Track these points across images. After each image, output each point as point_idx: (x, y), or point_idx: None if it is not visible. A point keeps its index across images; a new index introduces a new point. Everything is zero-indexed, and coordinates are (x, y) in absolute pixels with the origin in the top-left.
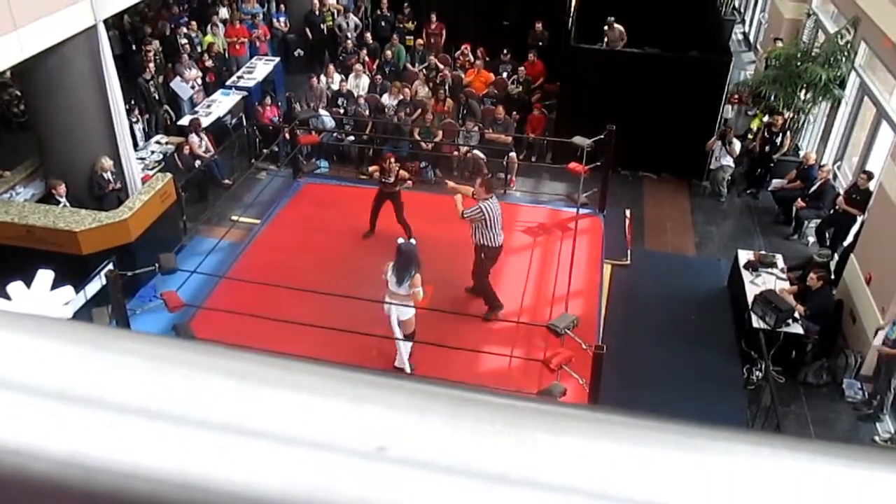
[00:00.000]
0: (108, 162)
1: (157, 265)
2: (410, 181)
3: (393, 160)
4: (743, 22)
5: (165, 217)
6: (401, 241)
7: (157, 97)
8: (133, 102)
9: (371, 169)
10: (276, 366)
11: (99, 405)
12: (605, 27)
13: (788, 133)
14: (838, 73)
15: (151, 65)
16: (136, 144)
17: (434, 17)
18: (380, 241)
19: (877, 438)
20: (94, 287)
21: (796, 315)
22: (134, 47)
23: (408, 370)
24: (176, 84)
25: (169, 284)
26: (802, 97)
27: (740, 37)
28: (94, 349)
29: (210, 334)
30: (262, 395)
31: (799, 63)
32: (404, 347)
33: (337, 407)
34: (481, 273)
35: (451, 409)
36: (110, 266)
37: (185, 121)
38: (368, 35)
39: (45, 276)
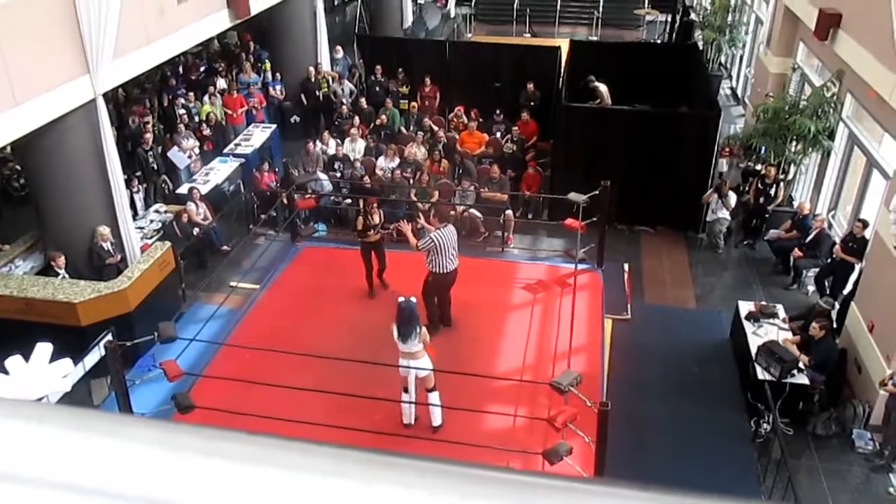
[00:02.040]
0: (106, 230)
1: (155, 334)
2: (400, 228)
3: (376, 205)
4: (730, 77)
5: (164, 285)
6: (401, 299)
7: (154, 167)
8: (132, 173)
9: (358, 223)
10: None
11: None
12: (590, 88)
13: (782, 184)
14: (827, 125)
15: (149, 135)
16: (135, 214)
17: (428, 81)
18: (379, 302)
19: (891, 490)
20: (92, 358)
21: (801, 365)
22: (134, 121)
23: (438, 423)
24: (173, 154)
25: (168, 353)
26: (793, 149)
27: (728, 92)
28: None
29: (210, 403)
30: (279, 478)
31: (787, 116)
32: (434, 402)
33: (350, 488)
34: (425, 293)
35: (463, 488)
36: (109, 336)
37: (183, 189)
38: (363, 100)
39: (43, 348)
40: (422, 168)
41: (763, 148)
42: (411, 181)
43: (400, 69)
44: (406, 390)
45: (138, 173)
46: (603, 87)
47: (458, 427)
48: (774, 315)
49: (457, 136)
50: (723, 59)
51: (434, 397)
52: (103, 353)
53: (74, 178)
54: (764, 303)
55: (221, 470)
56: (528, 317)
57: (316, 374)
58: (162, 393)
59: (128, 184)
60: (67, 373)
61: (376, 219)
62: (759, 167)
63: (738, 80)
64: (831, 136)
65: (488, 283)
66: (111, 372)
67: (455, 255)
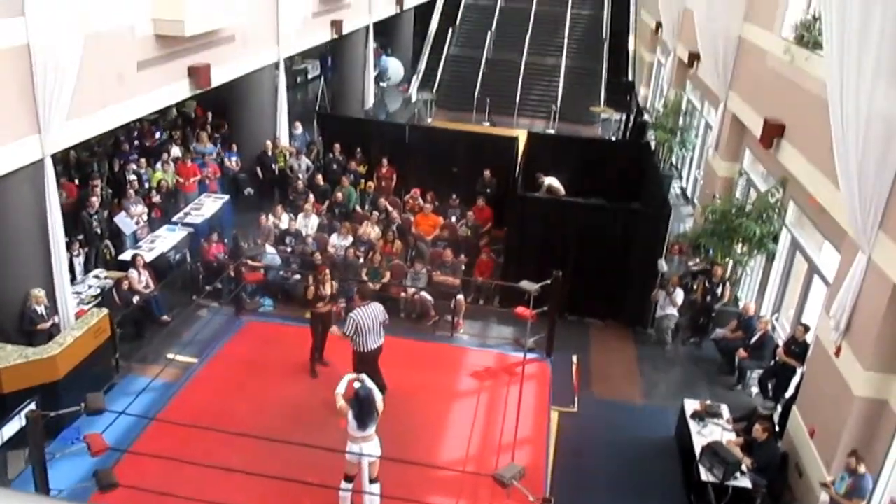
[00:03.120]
0: (41, 293)
1: (82, 405)
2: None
3: (328, 272)
4: (681, 177)
5: (97, 354)
6: (357, 385)
7: (98, 231)
8: (74, 236)
9: (309, 291)
10: None
11: None
12: (538, 184)
13: (728, 284)
14: (771, 229)
15: (96, 199)
16: (73, 278)
17: (385, 162)
18: (320, 380)
19: None
20: (12, 428)
21: (744, 468)
22: (77, 181)
23: None
24: (120, 219)
25: (95, 426)
26: (739, 250)
27: (679, 191)
28: None
29: (135, 481)
30: None
31: (734, 218)
32: (377, 493)
33: None
34: (355, 370)
35: None
36: (32, 406)
37: (126, 255)
38: (320, 177)
39: None
40: (375, 248)
41: (710, 249)
42: (363, 260)
43: (358, 149)
44: (348, 479)
45: (80, 236)
46: (554, 181)
47: None
48: (719, 415)
49: (412, 218)
50: (674, 159)
51: (375, 488)
52: (24, 423)
53: (13, 238)
54: (709, 402)
55: None
56: (473, 405)
57: (251, 454)
58: (84, 468)
59: (69, 247)
60: None
61: (328, 289)
62: (706, 267)
63: (688, 181)
64: (775, 240)
65: (436, 367)
66: (30, 443)
67: (381, 332)
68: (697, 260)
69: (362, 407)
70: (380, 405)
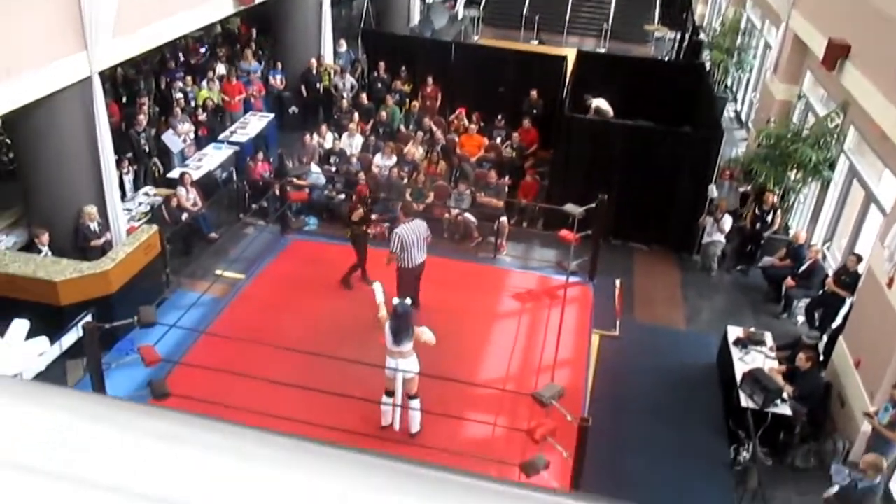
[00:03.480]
0: (93, 210)
1: (136, 318)
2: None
3: (367, 192)
4: (735, 100)
5: (148, 269)
6: (396, 301)
7: (147, 149)
8: (123, 154)
9: (356, 214)
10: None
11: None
12: (587, 105)
13: (779, 211)
14: (828, 155)
15: (143, 117)
16: (123, 195)
17: (430, 81)
18: (364, 300)
19: None
20: (70, 339)
21: (785, 395)
22: (125, 99)
23: (416, 429)
24: (167, 137)
25: (147, 338)
26: (792, 177)
27: (732, 114)
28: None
29: (186, 391)
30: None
31: (789, 143)
32: (416, 409)
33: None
34: (399, 286)
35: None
36: (88, 317)
37: (174, 173)
38: (364, 96)
39: (20, 325)
40: (419, 168)
41: (762, 174)
42: (407, 180)
43: (403, 67)
44: (389, 393)
45: (129, 154)
46: (603, 103)
47: (437, 433)
48: (762, 343)
49: (456, 139)
50: (729, 81)
51: (415, 404)
52: (81, 334)
53: (64, 155)
54: (753, 329)
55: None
56: (515, 326)
57: (296, 368)
58: (138, 378)
59: (118, 164)
60: (43, 351)
61: (364, 211)
62: (757, 193)
63: (742, 104)
64: (832, 167)
65: (478, 289)
66: (87, 353)
67: (423, 249)
68: (748, 186)
69: (399, 322)
70: (423, 335)
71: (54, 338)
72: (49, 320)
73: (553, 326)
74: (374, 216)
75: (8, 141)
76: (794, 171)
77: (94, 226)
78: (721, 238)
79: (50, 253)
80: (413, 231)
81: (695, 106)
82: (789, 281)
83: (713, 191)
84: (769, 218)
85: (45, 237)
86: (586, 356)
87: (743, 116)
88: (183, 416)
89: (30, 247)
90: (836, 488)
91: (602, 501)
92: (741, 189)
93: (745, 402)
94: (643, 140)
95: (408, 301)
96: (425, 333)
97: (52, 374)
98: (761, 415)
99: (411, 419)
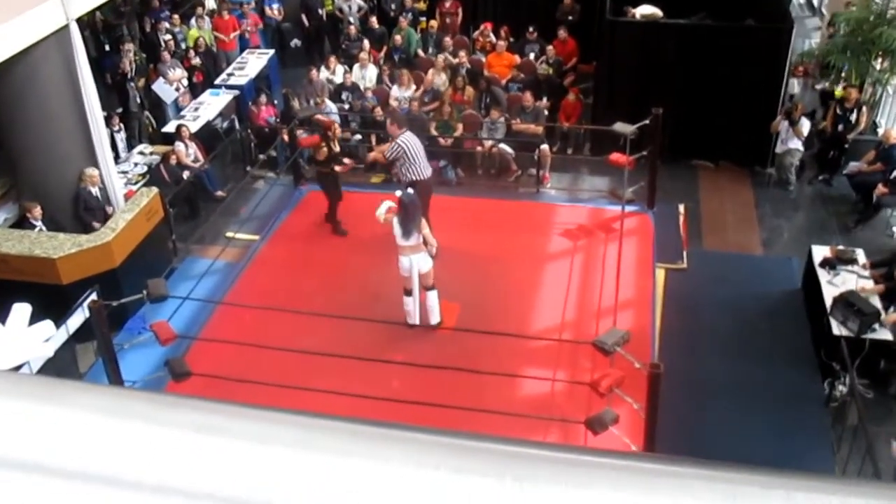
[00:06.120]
0: (94, 172)
1: (145, 292)
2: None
3: (337, 127)
4: None
5: (152, 237)
6: (398, 192)
7: (138, 102)
8: (112, 110)
9: (321, 152)
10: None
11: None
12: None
13: (864, 109)
14: None
15: (129, 64)
16: (116, 157)
17: None
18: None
19: None
20: (76, 320)
21: (883, 319)
22: (108, 47)
23: (436, 321)
24: (158, 86)
25: (159, 314)
26: (878, 67)
27: (802, 1)
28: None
29: (208, 369)
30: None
31: (872, 27)
32: (433, 301)
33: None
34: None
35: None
36: (93, 296)
37: (170, 127)
38: (374, 19)
39: (22, 310)
40: (443, 97)
41: (843, 66)
42: (431, 113)
43: None
44: (408, 292)
45: (119, 110)
46: (647, 9)
47: (491, 394)
48: (853, 261)
49: (483, 59)
50: None
51: (432, 295)
52: (87, 314)
53: (49, 117)
54: (841, 247)
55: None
56: (567, 267)
57: (324, 334)
58: (154, 358)
59: (108, 122)
60: (49, 336)
61: (337, 147)
62: (838, 89)
63: None
64: None
65: (521, 229)
66: (97, 336)
67: (427, 162)
68: (826, 83)
69: (406, 212)
70: (426, 231)
71: (59, 320)
72: (52, 302)
73: (611, 264)
74: (346, 160)
75: None
76: (880, 59)
77: (95, 191)
78: (799, 145)
79: (44, 228)
80: (413, 142)
81: None
82: (881, 188)
83: (795, 86)
84: (853, 117)
85: (38, 210)
86: (651, 294)
87: (815, 2)
88: (274, 414)
89: (21, 222)
90: None
91: (677, 461)
92: (818, 87)
93: (837, 329)
94: (700, 40)
95: (411, 191)
96: (426, 227)
97: (62, 361)
98: (857, 342)
99: (430, 311)
